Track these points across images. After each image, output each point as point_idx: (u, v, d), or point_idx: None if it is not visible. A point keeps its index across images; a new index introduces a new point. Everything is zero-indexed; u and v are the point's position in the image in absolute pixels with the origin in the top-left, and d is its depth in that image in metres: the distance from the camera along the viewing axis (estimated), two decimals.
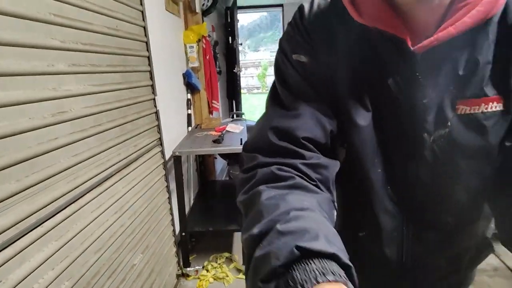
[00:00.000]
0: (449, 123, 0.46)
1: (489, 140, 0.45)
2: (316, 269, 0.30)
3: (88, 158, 1.13)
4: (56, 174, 0.97)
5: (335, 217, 0.46)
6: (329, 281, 0.29)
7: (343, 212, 0.59)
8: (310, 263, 0.30)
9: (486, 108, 0.43)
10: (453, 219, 0.53)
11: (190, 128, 2.57)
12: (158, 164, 1.80)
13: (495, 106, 0.43)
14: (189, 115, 2.59)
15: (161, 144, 1.86)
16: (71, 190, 1.03)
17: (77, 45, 1.09)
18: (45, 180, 0.92)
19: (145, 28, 1.68)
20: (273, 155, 0.47)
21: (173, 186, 2.00)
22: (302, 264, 0.31)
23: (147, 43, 1.70)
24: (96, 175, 1.17)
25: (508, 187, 0.47)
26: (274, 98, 0.54)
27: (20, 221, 0.82)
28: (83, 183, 1.09)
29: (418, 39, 0.43)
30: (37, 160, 0.90)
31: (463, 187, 0.50)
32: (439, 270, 0.60)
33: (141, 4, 1.64)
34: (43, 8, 0.95)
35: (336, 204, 0.48)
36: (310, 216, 0.38)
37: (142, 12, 1.66)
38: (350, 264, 0.32)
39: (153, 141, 1.73)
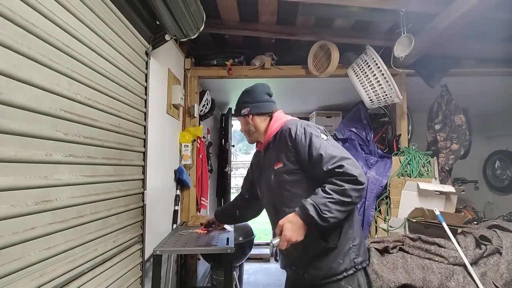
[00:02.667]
0: (273, 172, 1.34)
1: (284, 176, 1.30)
2: None
3: (61, 252, 1.05)
4: (21, 270, 0.88)
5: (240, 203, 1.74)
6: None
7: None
8: None
9: (280, 165, 1.31)
10: (293, 208, 1.20)
11: (175, 225, 2.47)
12: (136, 263, 1.65)
13: (281, 165, 1.31)
14: (175, 211, 2.52)
15: (143, 241, 1.75)
16: None
17: (79, 138, 1.16)
18: (6, 276, 0.83)
19: (145, 127, 1.81)
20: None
21: None
22: None
23: (145, 140, 1.81)
24: (65, 272, 1.06)
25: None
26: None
27: None
28: (48, 282, 0.98)
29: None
30: (5, 252, 0.83)
31: (284, 193, 1.31)
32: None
33: (146, 106, 1.82)
34: (56, 105, 1.04)
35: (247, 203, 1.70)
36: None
37: (145, 114, 1.82)
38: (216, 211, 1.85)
39: (134, 237, 1.63)
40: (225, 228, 1.99)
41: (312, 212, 1.10)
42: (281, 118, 1.42)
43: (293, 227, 1.13)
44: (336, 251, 1.22)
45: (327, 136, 1.29)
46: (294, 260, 1.34)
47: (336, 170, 1.14)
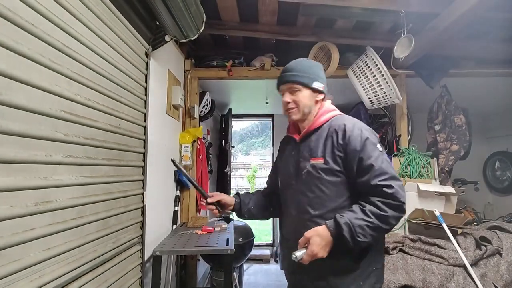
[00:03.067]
0: (308, 166, 1.17)
1: (321, 173, 1.13)
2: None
3: (61, 253, 1.05)
4: (21, 270, 0.88)
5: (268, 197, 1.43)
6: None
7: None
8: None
9: (319, 161, 1.14)
10: (319, 210, 1.14)
11: (175, 226, 2.46)
12: (136, 264, 1.65)
13: (321, 160, 1.13)
14: (175, 212, 2.52)
15: (142, 242, 1.75)
16: None
17: (79, 138, 1.16)
18: (6, 277, 0.83)
19: (145, 128, 1.81)
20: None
21: None
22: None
23: (144, 141, 1.80)
24: (65, 273, 1.05)
25: (359, 199, 1.08)
26: None
27: None
28: (47, 283, 0.97)
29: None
30: (5, 253, 0.83)
31: (315, 192, 1.15)
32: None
33: (145, 107, 1.82)
34: (56, 105, 1.04)
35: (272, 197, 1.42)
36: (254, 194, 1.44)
37: (145, 114, 1.82)
38: (238, 194, 1.40)
39: (134, 238, 1.63)
40: (228, 214, 1.38)
41: (346, 232, 0.98)
42: (331, 109, 1.25)
43: (321, 242, 1.01)
44: (357, 272, 1.10)
45: (382, 147, 1.14)
46: (302, 267, 1.10)
47: (384, 189, 1.01)
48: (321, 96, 1.22)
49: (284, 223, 1.31)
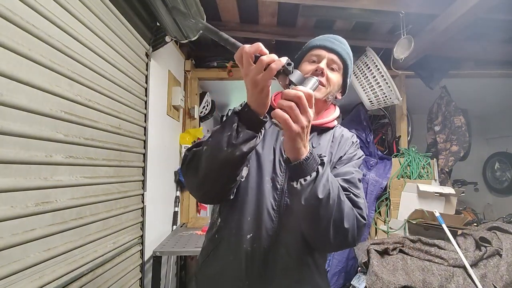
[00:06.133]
0: None
1: None
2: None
3: (61, 254, 1.05)
4: (20, 271, 0.88)
5: None
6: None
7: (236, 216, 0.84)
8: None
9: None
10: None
11: (175, 227, 2.46)
12: (136, 265, 1.65)
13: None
14: (175, 213, 2.52)
15: (142, 243, 1.75)
16: None
17: (79, 139, 1.16)
18: (6, 277, 0.83)
19: (145, 129, 1.81)
20: None
21: None
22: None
23: (145, 142, 1.80)
24: (65, 274, 1.05)
25: None
26: None
27: None
28: (47, 284, 0.97)
29: None
30: (4, 253, 0.83)
31: None
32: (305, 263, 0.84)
33: (146, 108, 1.82)
34: (56, 106, 1.04)
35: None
36: None
37: (145, 115, 1.82)
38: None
39: (134, 239, 1.63)
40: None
41: (320, 168, 0.68)
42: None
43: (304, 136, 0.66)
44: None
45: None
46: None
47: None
48: (339, 97, 0.99)
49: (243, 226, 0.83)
